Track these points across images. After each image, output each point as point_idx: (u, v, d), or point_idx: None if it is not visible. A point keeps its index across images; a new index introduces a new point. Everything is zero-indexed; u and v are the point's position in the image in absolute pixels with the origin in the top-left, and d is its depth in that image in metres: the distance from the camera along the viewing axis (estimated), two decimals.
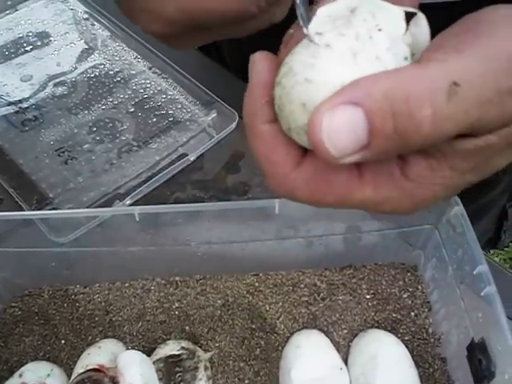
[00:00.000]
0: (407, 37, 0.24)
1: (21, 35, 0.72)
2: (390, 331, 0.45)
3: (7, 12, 0.74)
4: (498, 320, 0.37)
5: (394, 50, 0.23)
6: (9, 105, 0.64)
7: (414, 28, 0.24)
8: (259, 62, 0.25)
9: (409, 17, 0.24)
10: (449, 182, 0.23)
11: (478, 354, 0.39)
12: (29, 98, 0.65)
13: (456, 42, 0.22)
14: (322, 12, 0.24)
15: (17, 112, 0.64)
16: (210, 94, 0.66)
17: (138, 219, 0.42)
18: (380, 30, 0.23)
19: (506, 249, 1.45)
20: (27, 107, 0.64)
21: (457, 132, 0.21)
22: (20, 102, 0.65)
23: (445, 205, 0.43)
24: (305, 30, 0.24)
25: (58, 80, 0.67)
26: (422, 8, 0.25)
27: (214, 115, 0.64)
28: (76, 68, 0.68)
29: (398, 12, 0.24)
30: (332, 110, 0.20)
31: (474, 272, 0.39)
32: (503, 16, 0.22)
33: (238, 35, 0.34)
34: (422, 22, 0.24)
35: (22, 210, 0.56)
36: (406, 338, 0.45)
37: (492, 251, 1.40)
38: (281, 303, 0.47)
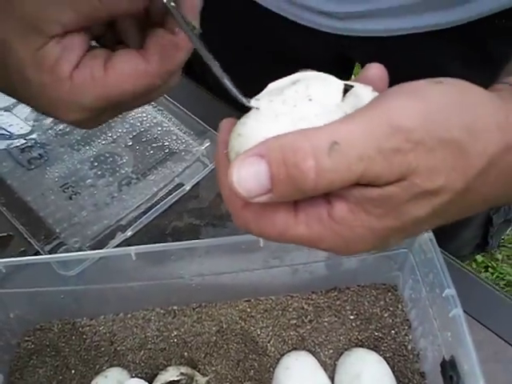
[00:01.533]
0: (344, 104, 0.28)
1: None
2: (372, 349, 0.49)
3: None
4: (464, 340, 0.40)
5: (326, 115, 0.27)
6: (15, 145, 0.69)
7: (354, 98, 0.28)
8: (224, 125, 0.31)
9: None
10: (368, 224, 0.27)
11: (450, 371, 0.42)
12: (33, 136, 0.69)
13: (362, 109, 0.26)
14: (270, 86, 0.30)
15: (23, 151, 0.68)
16: (203, 124, 0.69)
17: (134, 258, 0.46)
18: (310, 99, 0.28)
19: (509, 245, 1.47)
20: (32, 146, 0.69)
21: (345, 182, 0.25)
22: (26, 141, 0.69)
23: None
24: (238, 97, 0.29)
25: None
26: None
27: (207, 144, 0.68)
28: None
29: (337, 85, 0.28)
30: (243, 160, 0.26)
31: (443, 295, 0.43)
32: (410, 86, 0.27)
33: (142, 105, 0.38)
34: (361, 93, 0.28)
35: (31, 245, 0.60)
36: (388, 355, 0.48)
37: (495, 249, 1.43)
38: (271, 327, 0.50)
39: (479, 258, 1.43)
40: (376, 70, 0.30)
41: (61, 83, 0.32)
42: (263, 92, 0.30)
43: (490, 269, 1.45)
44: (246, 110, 0.30)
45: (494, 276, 1.43)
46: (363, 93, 0.29)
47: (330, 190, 0.26)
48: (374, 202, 0.26)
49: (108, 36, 0.36)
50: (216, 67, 0.30)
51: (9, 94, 0.36)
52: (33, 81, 0.32)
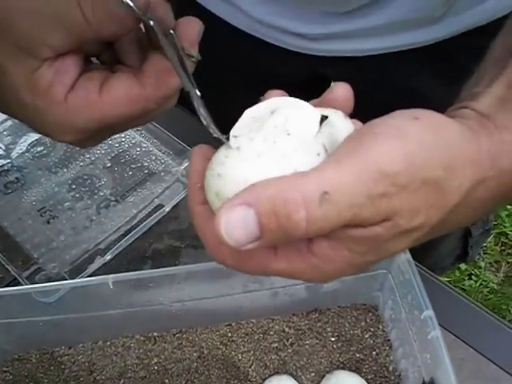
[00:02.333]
0: (321, 135, 0.28)
1: None
2: (354, 371, 0.49)
3: None
4: (443, 362, 0.40)
5: (304, 149, 0.27)
6: None
7: (330, 128, 0.29)
8: (196, 154, 0.31)
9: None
10: (350, 260, 0.28)
11: None
12: (10, 160, 0.69)
13: (342, 151, 0.27)
14: (247, 114, 0.30)
15: None
16: (182, 143, 0.69)
17: (111, 287, 0.46)
18: (289, 134, 0.28)
19: (492, 252, 1.49)
20: (9, 170, 0.68)
21: (334, 228, 0.26)
22: (2, 165, 0.68)
23: None
24: (216, 135, 0.30)
25: (36, 140, 0.70)
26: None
27: (186, 164, 0.67)
28: None
29: (314, 115, 0.28)
30: (230, 209, 0.25)
31: (421, 316, 0.43)
32: (390, 127, 0.27)
33: (138, 126, 0.38)
34: (336, 122, 0.29)
35: (9, 272, 0.59)
36: (369, 377, 0.48)
37: (478, 256, 1.45)
38: (252, 351, 0.50)
39: (462, 266, 1.45)
40: (342, 90, 0.31)
41: (55, 106, 0.32)
42: (240, 122, 0.29)
43: (473, 276, 1.46)
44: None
45: (478, 284, 1.44)
46: (337, 122, 0.29)
47: (319, 235, 0.26)
48: (357, 240, 0.27)
49: (107, 54, 0.36)
50: (197, 99, 0.31)
51: (5, 113, 0.37)
52: (27, 104, 0.33)
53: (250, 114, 0.30)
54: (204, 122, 0.30)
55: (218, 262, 0.30)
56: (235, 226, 0.25)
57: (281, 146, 0.27)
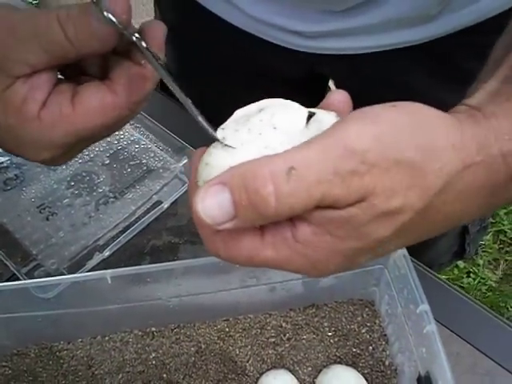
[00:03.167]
0: (307, 131, 0.29)
1: None
2: (350, 365, 0.49)
3: None
4: (438, 356, 0.41)
5: (290, 142, 0.28)
6: None
7: (318, 124, 0.29)
8: (197, 154, 0.31)
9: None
10: (333, 246, 0.28)
11: None
12: (9, 156, 0.69)
13: (319, 135, 0.27)
14: (237, 113, 0.30)
15: None
16: (180, 140, 0.69)
17: (110, 282, 0.46)
18: (275, 127, 0.29)
19: (490, 250, 1.49)
20: (8, 166, 0.68)
21: (305, 206, 0.26)
22: (1, 162, 0.68)
23: None
24: (209, 130, 0.30)
25: None
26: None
27: (185, 161, 0.68)
28: None
29: (301, 113, 0.29)
30: (207, 189, 0.27)
31: (417, 311, 0.43)
32: (364, 113, 0.28)
33: (110, 134, 0.38)
34: (323, 119, 0.29)
35: (8, 268, 0.59)
36: (366, 372, 0.49)
37: (476, 254, 1.45)
38: (250, 346, 0.50)
39: (461, 263, 1.45)
40: (340, 96, 0.31)
41: (29, 124, 0.32)
42: (229, 120, 0.30)
43: (471, 274, 1.46)
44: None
45: (476, 281, 1.45)
46: (325, 119, 0.29)
47: (291, 214, 0.27)
48: (336, 223, 0.27)
49: (71, 67, 0.35)
50: (182, 97, 0.31)
51: None
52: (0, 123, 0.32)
53: (240, 113, 0.30)
54: (204, 127, 0.30)
55: (212, 253, 0.31)
56: (211, 204, 0.26)
57: (266, 138, 0.28)
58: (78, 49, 0.31)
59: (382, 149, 0.26)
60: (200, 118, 0.30)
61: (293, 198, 0.26)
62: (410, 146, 0.27)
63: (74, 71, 0.35)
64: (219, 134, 0.29)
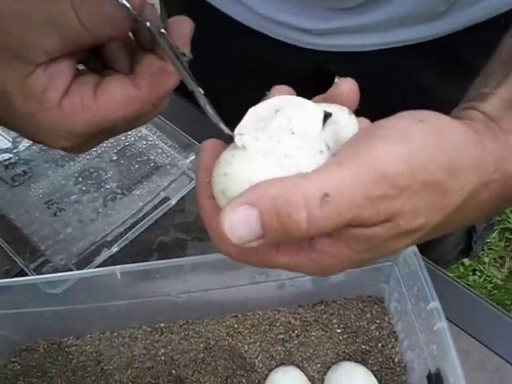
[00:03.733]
0: (325, 133, 0.28)
1: None
2: (360, 362, 0.49)
3: None
4: (449, 353, 0.41)
5: (307, 147, 0.28)
6: None
7: (334, 125, 0.29)
8: (205, 148, 0.31)
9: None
10: (349, 257, 0.28)
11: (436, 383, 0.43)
12: (17, 153, 0.69)
13: (343, 152, 0.27)
14: (251, 111, 0.30)
15: (6, 168, 0.68)
16: (188, 137, 0.69)
17: (119, 277, 0.46)
18: (293, 132, 0.28)
19: (496, 248, 1.49)
20: (16, 162, 0.68)
21: (334, 228, 0.26)
22: (9, 157, 0.69)
23: None
24: (226, 132, 0.30)
25: None
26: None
27: (192, 157, 0.68)
28: None
29: (317, 113, 0.29)
30: (234, 208, 0.26)
31: (428, 308, 0.43)
32: (393, 129, 0.27)
33: (132, 129, 0.38)
34: (341, 120, 0.29)
35: (16, 263, 0.59)
36: (375, 368, 0.49)
37: (482, 252, 1.45)
38: (259, 342, 0.50)
39: (466, 261, 1.45)
40: (348, 84, 0.31)
41: (49, 112, 0.32)
42: (244, 121, 0.30)
43: (477, 272, 1.46)
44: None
45: (482, 279, 1.44)
46: (341, 119, 0.29)
47: (319, 235, 0.27)
48: (358, 239, 0.28)
49: (94, 60, 0.36)
50: (201, 97, 0.31)
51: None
52: (20, 110, 0.32)
53: (253, 111, 0.30)
54: (212, 120, 0.30)
55: (223, 254, 0.31)
56: (239, 224, 0.26)
57: (285, 146, 0.28)
58: (92, 34, 0.31)
59: (411, 172, 0.26)
60: (221, 124, 0.30)
61: (324, 222, 0.26)
62: (438, 168, 0.27)
63: (97, 64, 0.35)
64: (238, 141, 0.29)
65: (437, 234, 0.30)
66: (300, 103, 0.29)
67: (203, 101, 0.31)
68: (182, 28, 0.33)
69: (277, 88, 0.32)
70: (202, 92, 0.31)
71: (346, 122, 0.29)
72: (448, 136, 0.28)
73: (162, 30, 0.32)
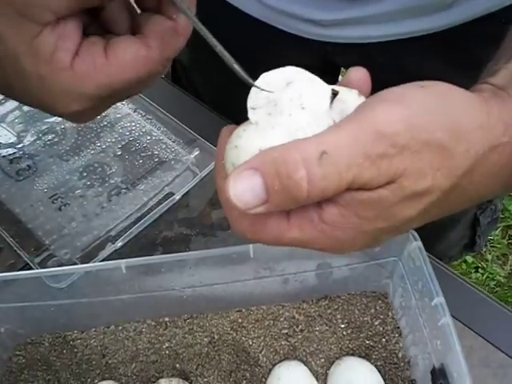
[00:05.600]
0: (332, 111, 0.29)
1: None
2: (363, 357, 0.49)
3: None
4: (453, 349, 0.41)
5: (316, 122, 0.28)
6: (3, 156, 0.68)
7: (341, 104, 0.29)
8: (224, 133, 0.32)
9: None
10: (359, 227, 0.28)
11: (440, 379, 0.43)
12: (22, 147, 0.69)
13: (345, 119, 0.28)
14: (263, 77, 0.30)
15: (11, 162, 0.68)
16: (192, 132, 0.69)
17: (124, 271, 0.46)
18: (303, 108, 0.29)
19: (499, 245, 1.49)
20: (21, 157, 0.68)
21: (336, 190, 0.26)
22: (14, 152, 0.69)
23: (405, 239, 0.47)
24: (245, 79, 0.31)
25: (47, 127, 0.71)
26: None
27: (196, 153, 0.68)
28: None
29: (325, 91, 0.29)
30: (238, 174, 0.27)
31: (432, 303, 0.43)
32: (393, 94, 0.28)
33: (139, 92, 0.38)
34: (347, 98, 0.29)
35: (21, 258, 0.60)
36: (379, 364, 0.49)
37: (485, 249, 1.45)
38: (263, 337, 0.50)
39: (469, 258, 1.45)
40: (359, 73, 0.31)
41: (61, 73, 0.31)
42: (257, 82, 0.30)
43: (480, 269, 1.46)
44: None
45: (484, 277, 1.44)
46: (349, 98, 0.30)
47: (322, 197, 0.27)
48: (365, 204, 0.27)
49: (94, 25, 0.35)
50: (221, 50, 0.31)
51: (3, 92, 0.35)
52: (30, 72, 0.31)
53: (266, 78, 0.30)
54: (241, 75, 0.31)
55: (238, 233, 0.31)
56: (243, 189, 0.27)
57: (295, 119, 0.28)
58: None
59: (411, 131, 0.26)
60: (243, 73, 0.30)
61: (324, 182, 0.26)
62: (440, 127, 0.27)
63: (97, 29, 0.34)
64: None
65: (452, 204, 0.30)
66: (311, 77, 0.30)
67: (226, 56, 0.31)
68: None
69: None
70: (222, 47, 0.31)
71: (354, 102, 0.29)
72: (450, 99, 0.28)
73: None
